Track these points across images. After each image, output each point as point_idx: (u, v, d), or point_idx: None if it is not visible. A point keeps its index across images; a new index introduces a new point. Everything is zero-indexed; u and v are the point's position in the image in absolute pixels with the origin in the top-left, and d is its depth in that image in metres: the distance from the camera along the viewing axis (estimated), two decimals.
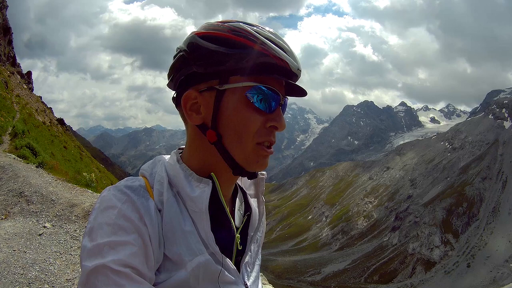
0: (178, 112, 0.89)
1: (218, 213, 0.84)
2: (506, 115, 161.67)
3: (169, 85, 0.89)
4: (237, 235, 0.88)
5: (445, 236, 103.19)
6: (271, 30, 0.83)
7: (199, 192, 0.80)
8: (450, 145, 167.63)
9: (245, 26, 0.81)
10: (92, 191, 8.56)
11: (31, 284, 4.71)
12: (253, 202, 0.99)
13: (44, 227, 6.50)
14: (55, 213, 6.97)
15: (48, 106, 46.87)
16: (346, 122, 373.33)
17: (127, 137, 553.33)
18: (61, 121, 44.13)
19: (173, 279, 0.75)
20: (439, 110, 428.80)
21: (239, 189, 0.98)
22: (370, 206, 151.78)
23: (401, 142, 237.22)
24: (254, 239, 0.94)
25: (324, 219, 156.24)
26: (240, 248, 0.89)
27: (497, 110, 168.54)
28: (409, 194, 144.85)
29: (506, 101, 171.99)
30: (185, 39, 0.85)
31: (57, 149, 26.43)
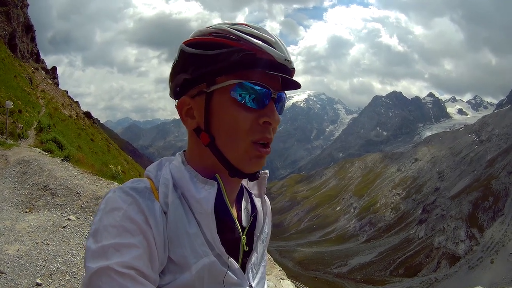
0: None
1: (223, 215, 0.84)
2: None
3: (170, 95, 0.91)
4: (243, 236, 0.88)
5: (470, 230, 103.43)
6: (256, 26, 0.83)
7: (205, 194, 0.80)
8: (477, 138, 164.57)
9: (225, 27, 0.81)
10: (118, 183, 8.56)
11: (52, 275, 4.73)
12: (257, 202, 0.98)
13: (69, 219, 6.52)
14: (79, 206, 7.02)
15: (75, 100, 48.33)
16: (375, 112, 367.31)
17: (156, 128, 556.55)
18: (88, 114, 45.63)
19: (178, 282, 0.76)
20: (466, 102, 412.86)
21: (244, 190, 0.99)
22: (398, 198, 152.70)
23: (429, 134, 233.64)
24: (260, 239, 0.94)
25: (352, 210, 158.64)
26: (246, 249, 0.89)
27: None
28: (437, 186, 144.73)
29: None
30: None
31: (84, 141, 26.74)
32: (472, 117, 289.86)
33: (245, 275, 0.87)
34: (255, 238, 0.93)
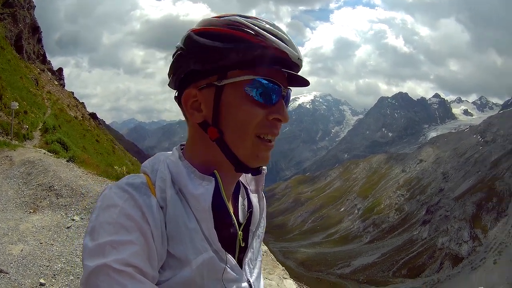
0: None
1: (220, 211, 0.83)
2: None
3: (169, 85, 0.88)
4: (240, 232, 0.88)
5: (474, 231, 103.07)
6: (269, 21, 0.81)
7: (202, 190, 0.79)
8: (482, 139, 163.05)
9: (242, 19, 0.79)
10: None
11: (56, 275, 4.71)
12: (253, 197, 0.98)
13: (73, 220, 6.48)
14: (84, 206, 7.00)
15: (81, 101, 47.64)
16: (380, 114, 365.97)
17: (161, 129, 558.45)
18: (93, 116, 45.18)
19: (178, 277, 0.75)
20: (472, 103, 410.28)
21: (241, 185, 0.98)
22: (402, 199, 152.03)
23: (434, 135, 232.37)
24: (255, 235, 0.94)
25: (356, 211, 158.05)
26: (242, 245, 0.89)
27: None
28: (441, 187, 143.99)
29: None
30: (182, 37, 0.84)
31: (89, 142, 26.38)
32: (478, 118, 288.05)
33: (242, 271, 0.87)
34: (250, 234, 0.93)
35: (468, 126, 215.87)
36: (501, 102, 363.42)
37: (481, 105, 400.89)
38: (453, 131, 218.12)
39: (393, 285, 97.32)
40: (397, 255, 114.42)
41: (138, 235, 0.70)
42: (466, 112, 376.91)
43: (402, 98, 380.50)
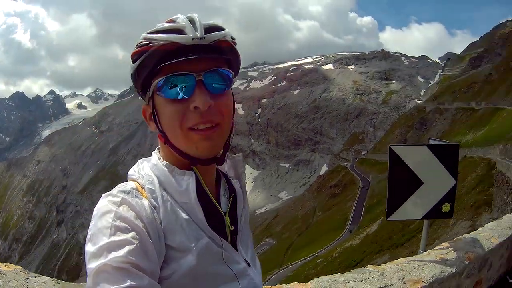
0: None
1: (204, 201, 0.89)
2: None
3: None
4: (227, 217, 0.94)
5: None
6: (173, 18, 0.88)
7: (186, 184, 0.86)
8: (97, 129, 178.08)
9: (144, 34, 0.86)
10: None
11: None
12: (235, 184, 1.04)
13: None
14: None
15: None
16: None
17: None
18: None
19: (184, 267, 0.81)
20: (86, 96, 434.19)
21: (221, 175, 1.03)
22: (31, 205, 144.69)
23: (49, 133, 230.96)
24: (242, 217, 1.01)
25: None
26: (232, 228, 0.95)
27: None
28: (64, 184, 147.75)
29: None
30: None
31: None
32: (92, 110, 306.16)
33: (238, 252, 0.95)
34: (238, 217, 0.99)
35: (82, 120, 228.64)
36: (117, 92, 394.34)
37: (96, 97, 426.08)
38: (67, 126, 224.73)
39: None
40: (50, 263, 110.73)
41: (134, 235, 0.75)
42: (80, 106, 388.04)
43: (18, 98, 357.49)
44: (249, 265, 0.96)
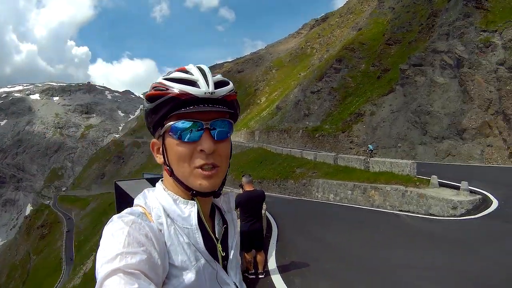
0: None
1: (202, 229, 0.99)
2: None
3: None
4: (218, 244, 1.04)
5: None
6: (186, 68, 1.01)
7: (188, 212, 0.97)
8: None
9: (161, 79, 0.98)
10: None
11: None
12: (227, 216, 1.15)
13: None
14: None
15: None
16: None
17: None
18: None
19: (184, 283, 0.89)
20: None
21: (216, 207, 1.15)
22: None
23: None
24: (233, 246, 1.11)
25: None
26: (223, 254, 1.05)
27: None
28: None
29: None
30: None
31: None
32: None
33: (229, 275, 1.05)
34: (229, 245, 1.10)
35: None
36: None
37: None
38: None
39: None
40: None
41: (145, 248, 0.83)
42: None
43: None
44: (237, 287, 1.07)
